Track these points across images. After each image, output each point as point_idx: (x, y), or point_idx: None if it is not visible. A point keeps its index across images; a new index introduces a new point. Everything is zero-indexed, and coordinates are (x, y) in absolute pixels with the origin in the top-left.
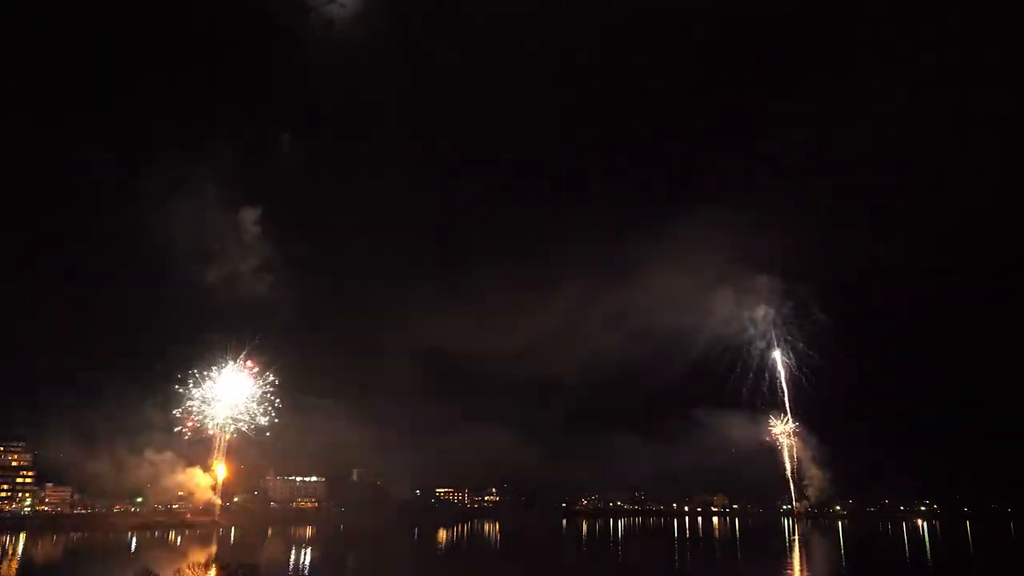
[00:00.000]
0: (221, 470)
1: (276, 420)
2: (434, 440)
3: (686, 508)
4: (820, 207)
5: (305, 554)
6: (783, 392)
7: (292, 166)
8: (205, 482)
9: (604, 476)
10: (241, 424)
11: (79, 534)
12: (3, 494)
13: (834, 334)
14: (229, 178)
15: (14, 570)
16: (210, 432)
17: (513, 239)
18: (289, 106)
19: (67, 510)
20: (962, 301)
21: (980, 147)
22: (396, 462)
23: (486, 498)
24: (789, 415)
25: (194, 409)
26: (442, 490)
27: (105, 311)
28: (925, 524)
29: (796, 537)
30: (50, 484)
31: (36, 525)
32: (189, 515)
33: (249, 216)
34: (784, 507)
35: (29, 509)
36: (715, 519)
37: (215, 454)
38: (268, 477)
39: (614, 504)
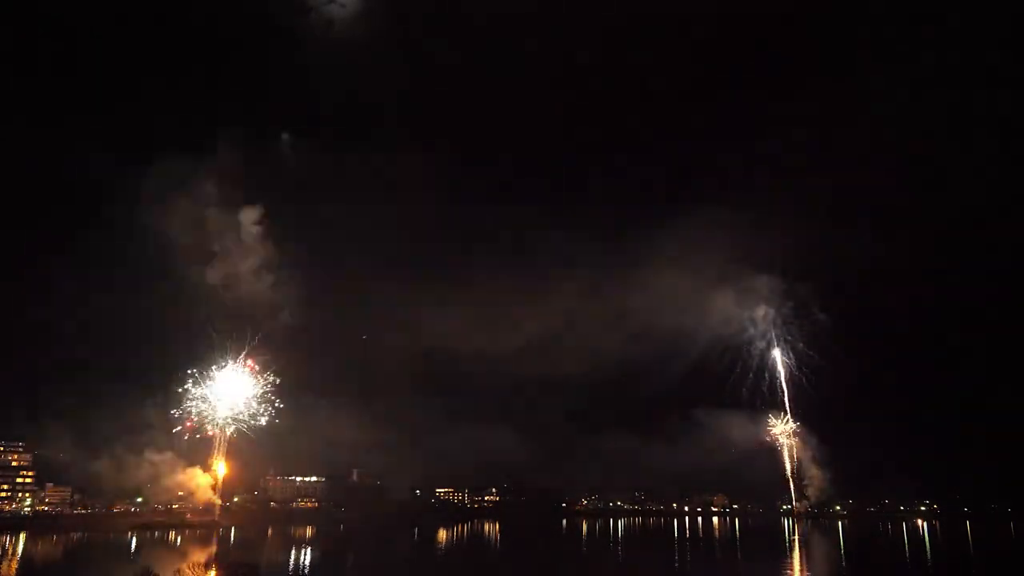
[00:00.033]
0: (221, 470)
1: (276, 420)
2: (434, 440)
3: (686, 508)
4: (820, 207)
5: (305, 554)
6: (783, 392)
7: (292, 166)
8: (205, 482)
9: (604, 476)
10: (241, 424)
11: (79, 534)
12: (3, 494)
13: (834, 334)
14: (229, 178)
15: (14, 570)
16: (210, 432)
17: (513, 239)
18: (289, 106)
19: (67, 510)
20: (962, 301)
21: (980, 147)
22: (396, 462)
23: (486, 498)
24: (789, 415)
25: (194, 409)
26: (442, 490)
27: (105, 311)
28: (925, 524)
29: (796, 537)
30: (50, 484)
31: (36, 525)
32: (189, 515)
33: (249, 216)
34: (784, 507)
35: (29, 509)
36: (715, 519)
37: (215, 454)
38: (268, 477)
39: (614, 504)
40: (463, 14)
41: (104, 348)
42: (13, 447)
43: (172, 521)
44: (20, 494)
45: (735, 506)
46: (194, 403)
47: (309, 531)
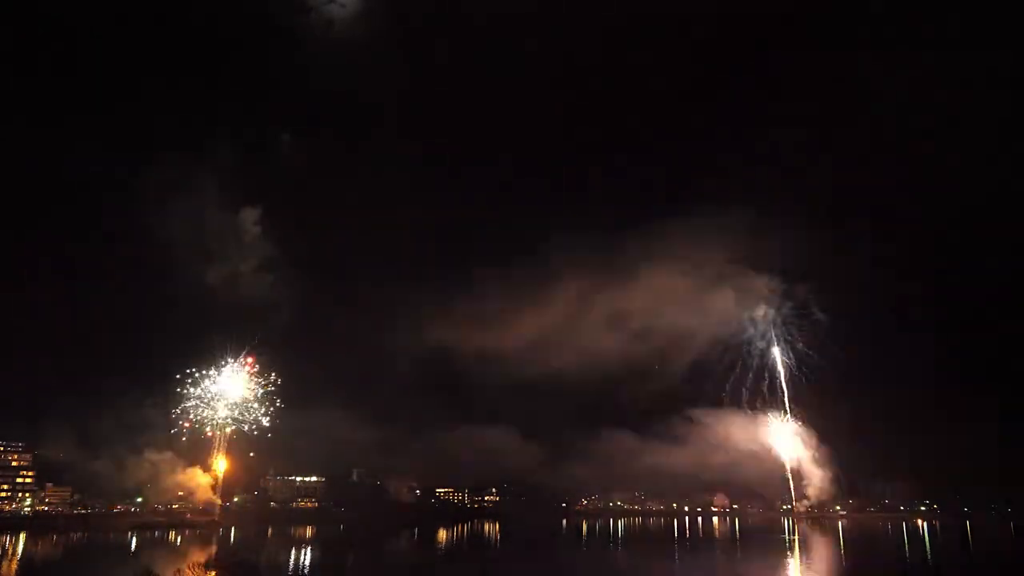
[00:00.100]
0: (221, 469)
1: (276, 420)
2: (434, 440)
3: (686, 508)
4: (820, 207)
5: (305, 554)
6: (783, 392)
7: (292, 166)
8: (205, 482)
9: (604, 476)
10: (241, 424)
11: (79, 534)
12: (3, 494)
13: (834, 334)
14: (229, 178)
15: (14, 570)
16: (210, 432)
17: (513, 239)
18: (289, 106)
19: (67, 510)
20: (962, 301)
21: (980, 147)
22: (396, 462)
23: (486, 498)
24: (789, 415)
25: (194, 409)
26: (442, 490)
27: (105, 311)
28: (925, 524)
29: (796, 537)
30: (50, 484)
31: (36, 525)
32: (189, 515)
33: (249, 216)
34: (784, 507)
35: (29, 509)
36: (715, 519)
37: (215, 454)
38: (268, 477)
39: (614, 504)
40: (463, 14)
41: (104, 348)
42: (13, 447)
43: (172, 521)
44: (20, 494)
45: (735, 506)
46: (194, 403)
47: (309, 531)
